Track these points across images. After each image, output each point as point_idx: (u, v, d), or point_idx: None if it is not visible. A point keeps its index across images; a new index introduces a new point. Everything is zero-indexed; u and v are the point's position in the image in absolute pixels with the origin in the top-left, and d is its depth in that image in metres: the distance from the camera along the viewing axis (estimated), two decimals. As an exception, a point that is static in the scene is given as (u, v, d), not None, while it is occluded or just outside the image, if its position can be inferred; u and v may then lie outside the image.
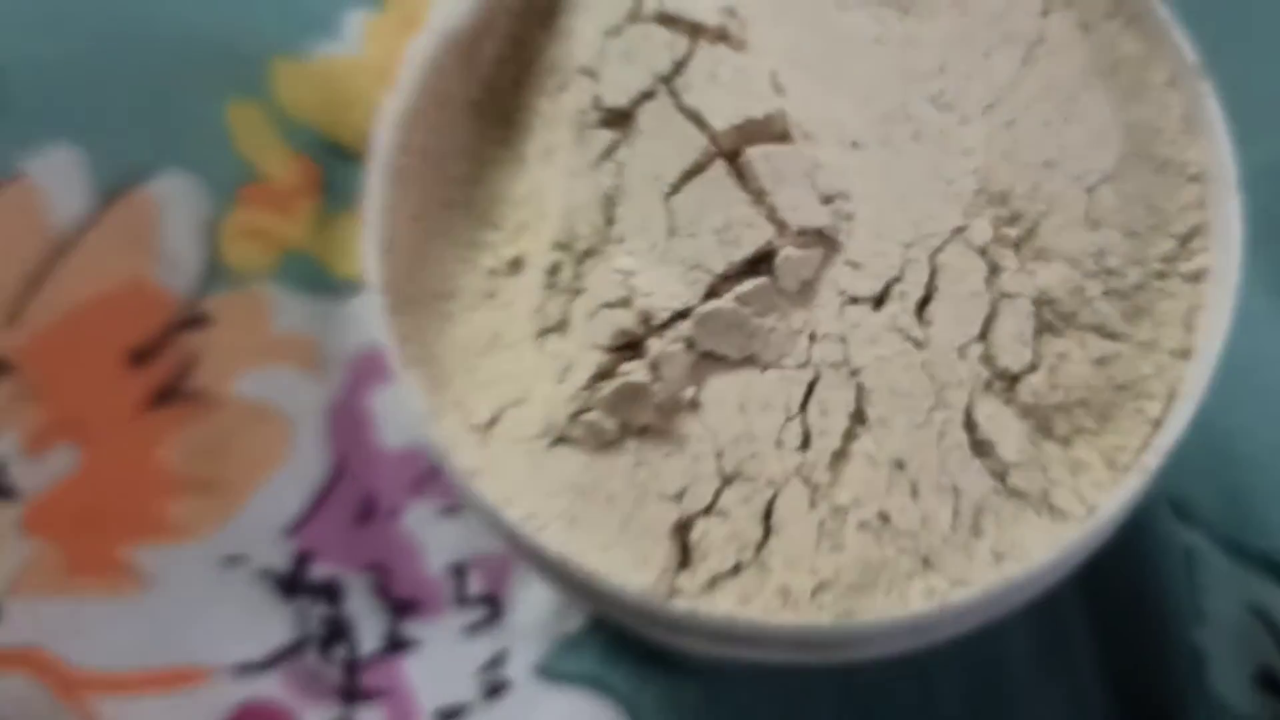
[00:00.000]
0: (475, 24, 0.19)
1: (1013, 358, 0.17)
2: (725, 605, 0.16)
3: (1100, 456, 0.16)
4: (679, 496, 0.17)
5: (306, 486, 0.28)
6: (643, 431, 0.17)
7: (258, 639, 0.27)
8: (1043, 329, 0.17)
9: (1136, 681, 0.26)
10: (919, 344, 0.17)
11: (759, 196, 0.17)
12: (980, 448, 0.17)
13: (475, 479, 0.17)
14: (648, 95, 0.18)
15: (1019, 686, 0.26)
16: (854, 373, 0.17)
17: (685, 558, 0.17)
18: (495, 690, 0.27)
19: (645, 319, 0.17)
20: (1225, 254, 0.17)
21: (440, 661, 0.27)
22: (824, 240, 0.17)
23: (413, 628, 0.27)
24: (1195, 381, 0.16)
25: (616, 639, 0.27)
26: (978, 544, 0.16)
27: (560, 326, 0.18)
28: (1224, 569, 0.26)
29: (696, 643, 0.17)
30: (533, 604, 0.27)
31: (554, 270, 0.18)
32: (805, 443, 0.17)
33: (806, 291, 0.17)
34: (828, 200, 0.17)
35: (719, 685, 0.26)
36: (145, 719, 0.27)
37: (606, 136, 0.18)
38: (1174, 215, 0.17)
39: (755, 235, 0.17)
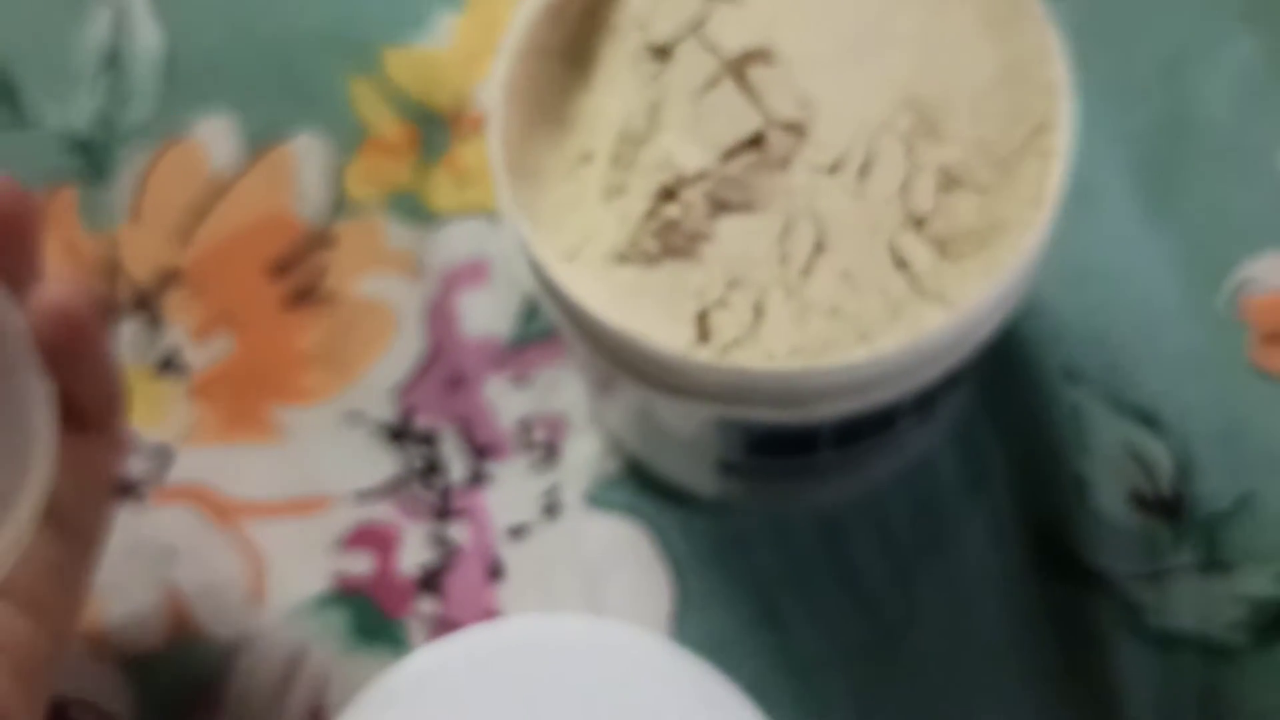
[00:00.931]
0: (560, -4, 0.28)
1: (922, 206, 0.25)
2: (730, 361, 0.24)
3: (979, 268, 0.24)
4: (700, 294, 0.24)
5: (409, 361, 0.34)
6: (676, 252, 0.25)
7: (372, 473, 0.33)
8: (942, 187, 0.25)
9: (1037, 503, 0.32)
10: (859, 197, 0.25)
11: (755, 100, 0.25)
12: (900, 264, 0.24)
13: (564, 286, 0.25)
14: (681, 38, 0.26)
15: (952, 511, 0.32)
16: (816, 216, 0.25)
17: (704, 334, 0.24)
18: (551, 512, 0.33)
19: (678, 177, 0.25)
20: (1064, 137, 0.25)
21: (510, 491, 0.33)
22: (797, 129, 0.25)
23: (490, 466, 0.33)
24: (1041, 220, 0.24)
25: (646, 479, 0.33)
26: (898, 324, 0.24)
27: (620, 191, 0.26)
28: (1103, 417, 0.33)
29: (707, 401, 0.25)
30: (581, 449, 0.33)
31: (617, 154, 0.26)
32: (784, 260, 0.25)
33: (785, 163, 0.25)
34: (800, 104, 0.25)
35: (722, 513, 0.33)
36: (284, 536, 0.33)
37: (653, 67, 0.26)
38: (1031, 113, 0.25)
39: (751, 124, 0.25)
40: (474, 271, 0.35)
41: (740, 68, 0.25)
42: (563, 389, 0.34)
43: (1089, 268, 0.34)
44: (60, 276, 0.26)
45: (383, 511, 0.33)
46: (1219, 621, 0.31)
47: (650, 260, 0.25)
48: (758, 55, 0.25)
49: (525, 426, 0.34)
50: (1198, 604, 0.32)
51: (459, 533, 0.33)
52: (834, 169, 0.25)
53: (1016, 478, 0.33)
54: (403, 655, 0.28)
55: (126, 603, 0.33)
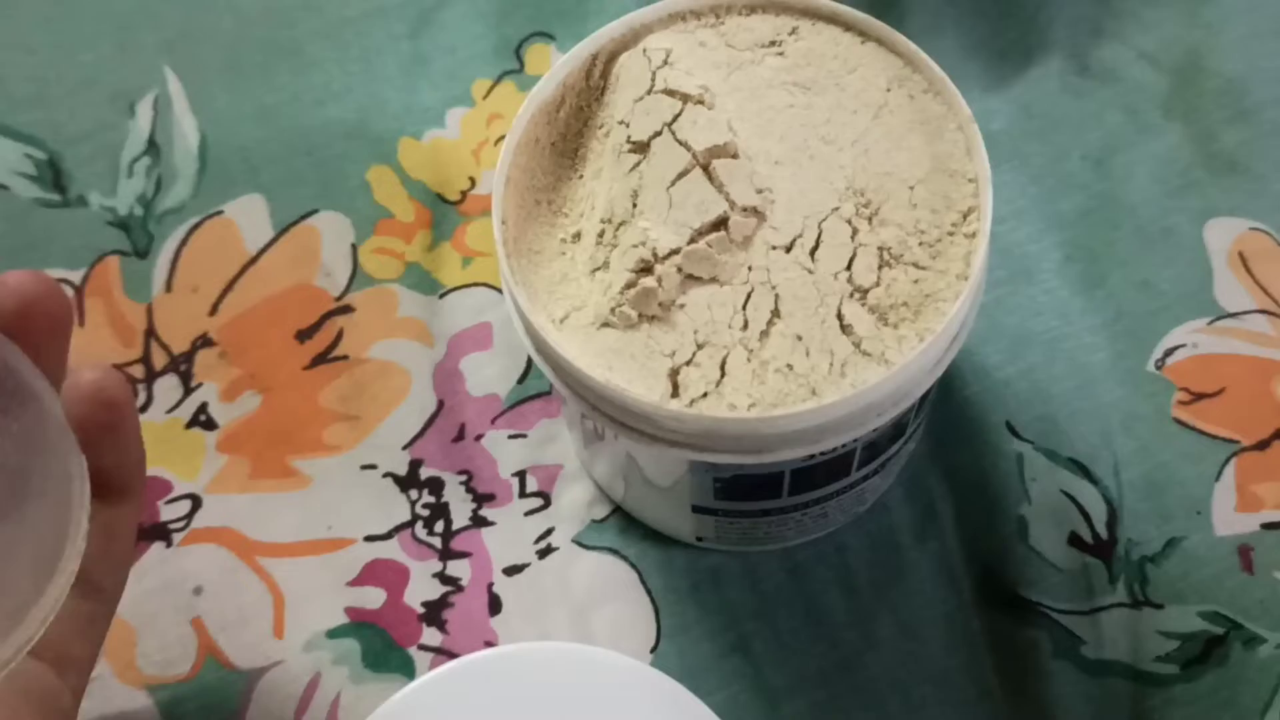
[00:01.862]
0: (555, 97, 0.32)
1: (865, 279, 0.28)
2: (698, 412, 0.28)
3: (914, 332, 0.28)
4: (672, 355, 0.28)
5: (419, 417, 0.37)
6: (652, 319, 0.29)
7: (383, 518, 0.36)
8: (882, 264, 0.29)
9: (983, 544, 0.35)
10: (810, 271, 0.29)
11: (720, 188, 0.29)
12: (845, 329, 0.28)
13: (556, 347, 0.29)
14: (658, 134, 0.30)
15: (904, 551, 0.35)
16: (773, 287, 0.28)
17: (675, 390, 0.28)
18: (544, 554, 0.36)
19: (654, 253, 0.29)
20: (985, 222, 0.29)
21: (508, 534, 0.36)
22: (757, 214, 0.29)
23: (489, 512, 0.36)
24: (966, 291, 0.28)
25: (630, 523, 0.36)
26: (843, 380, 0.28)
27: (604, 266, 0.30)
28: (1042, 466, 0.36)
29: (679, 447, 0.29)
30: (572, 496, 0.36)
31: (602, 234, 0.30)
32: (745, 326, 0.28)
33: (746, 242, 0.29)
34: (759, 192, 0.29)
35: (697, 554, 0.36)
36: (303, 574, 0.36)
37: (633, 158, 0.30)
38: (958, 201, 0.29)
39: (717, 209, 0.29)
40: (478, 337, 0.39)
41: (708, 161, 0.29)
42: (556, 442, 0.37)
43: (1028, 334, 0.38)
44: (92, 365, 0.28)
45: (393, 551, 0.36)
46: (1150, 654, 0.34)
47: (630, 325, 0.29)
48: (723, 150, 0.29)
49: (521, 477, 0.37)
50: (1130, 637, 0.35)
51: (461, 571, 0.36)
52: (789, 247, 0.29)
53: (964, 521, 0.36)
54: (410, 680, 0.31)
55: (157, 635, 0.35)
